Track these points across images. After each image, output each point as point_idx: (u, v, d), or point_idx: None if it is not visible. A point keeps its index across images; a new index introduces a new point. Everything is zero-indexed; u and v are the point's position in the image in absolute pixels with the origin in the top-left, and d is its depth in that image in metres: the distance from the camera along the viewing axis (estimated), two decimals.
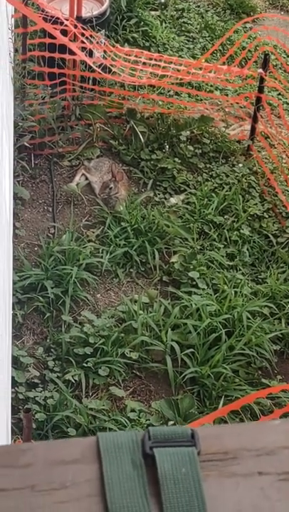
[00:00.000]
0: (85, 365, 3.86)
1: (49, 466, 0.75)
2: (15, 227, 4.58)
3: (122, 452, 0.75)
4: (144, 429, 0.78)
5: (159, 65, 5.11)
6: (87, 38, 4.86)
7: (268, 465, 0.76)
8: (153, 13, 6.75)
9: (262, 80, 5.05)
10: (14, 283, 4.15)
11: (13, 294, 4.11)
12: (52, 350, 3.97)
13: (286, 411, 3.18)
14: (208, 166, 5.19)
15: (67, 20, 4.81)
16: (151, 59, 5.17)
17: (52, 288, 4.17)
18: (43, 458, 0.76)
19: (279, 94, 5.89)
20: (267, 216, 4.87)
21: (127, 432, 0.78)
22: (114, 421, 3.65)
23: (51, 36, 4.83)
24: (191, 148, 5.22)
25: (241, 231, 4.71)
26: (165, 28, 6.57)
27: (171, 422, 3.68)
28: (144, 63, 5.15)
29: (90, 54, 5.00)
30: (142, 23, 6.39)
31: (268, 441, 0.78)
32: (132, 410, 3.73)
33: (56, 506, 0.73)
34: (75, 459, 0.76)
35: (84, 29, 4.87)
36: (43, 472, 0.75)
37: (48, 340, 4.02)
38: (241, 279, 4.39)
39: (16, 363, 3.83)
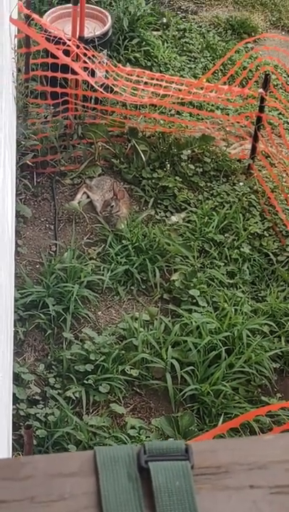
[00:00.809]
0: (85, 382, 3.88)
1: (48, 478, 0.78)
2: (17, 245, 4.61)
3: (119, 466, 0.78)
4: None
5: (160, 85, 5.17)
6: (89, 57, 4.92)
7: (260, 479, 0.79)
8: (155, 33, 6.82)
9: (263, 99, 5.10)
10: (16, 300, 4.18)
11: (15, 311, 4.14)
12: (53, 367, 3.99)
13: (285, 428, 3.20)
14: (209, 184, 5.23)
15: (69, 40, 4.87)
16: (152, 78, 5.22)
17: (53, 305, 4.20)
18: (43, 471, 0.79)
19: (279, 113, 5.94)
20: (267, 235, 4.90)
21: (123, 446, 0.81)
22: (115, 438, 3.66)
23: (54, 56, 4.88)
24: (192, 167, 5.26)
25: (242, 249, 4.74)
26: (167, 47, 6.64)
27: (171, 439, 3.69)
28: (146, 83, 5.20)
29: (92, 74, 5.05)
30: (144, 43, 6.45)
31: (260, 456, 0.81)
32: (132, 427, 3.75)
33: None
34: (73, 472, 0.78)
35: (86, 49, 4.93)
36: (42, 484, 0.77)
37: (49, 357, 4.04)
38: (241, 297, 4.41)
39: (17, 379, 3.85)
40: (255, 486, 0.78)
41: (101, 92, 5.00)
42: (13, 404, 3.70)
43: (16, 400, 3.75)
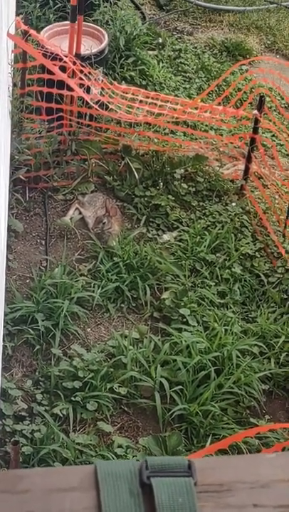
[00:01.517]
0: (73, 399, 3.85)
1: (47, 493, 0.76)
2: (8, 259, 4.59)
3: (120, 481, 0.76)
4: None
5: (155, 104, 5.18)
6: (85, 74, 4.93)
7: (263, 498, 0.77)
8: (150, 52, 6.85)
9: (256, 121, 5.12)
10: (5, 315, 4.15)
11: (4, 326, 4.11)
12: (41, 383, 3.95)
13: (275, 450, 3.18)
14: (201, 204, 5.23)
15: (66, 56, 4.88)
16: (148, 97, 5.24)
17: (42, 321, 4.17)
18: (41, 485, 0.77)
19: (273, 135, 5.96)
20: (258, 255, 4.90)
21: (124, 461, 0.79)
22: (101, 456, 3.63)
23: (50, 72, 4.89)
24: (185, 186, 5.27)
25: (233, 269, 4.74)
26: (162, 67, 6.66)
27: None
28: (141, 101, 5.21)
29: (88, 90, 5.06)
30: (140, 62, 6.48)
31: (263, 474, 0.80)
32: (119, 446, 3.72)
33: None
34: (73, 487, 0.77)
35: (82, 66, 4.95)
36: (41, 499, 0.75)
37: (36, 373, 4.01)
38: (232, 318, 4.40)
39: (4, 395, 3.81)
40: (258, 505, 0.76)
41: (96, 108, 5.01)
42: (0, 419, 3.66)
43: (2, 415, 3.71)
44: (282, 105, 6.29)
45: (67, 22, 5.33)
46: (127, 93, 5.21)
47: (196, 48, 7.18)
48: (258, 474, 0.80)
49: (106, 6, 6.68)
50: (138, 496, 0.75)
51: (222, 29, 7.65)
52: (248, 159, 5.29)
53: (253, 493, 0.77)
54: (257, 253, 4.91)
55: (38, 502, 0.75)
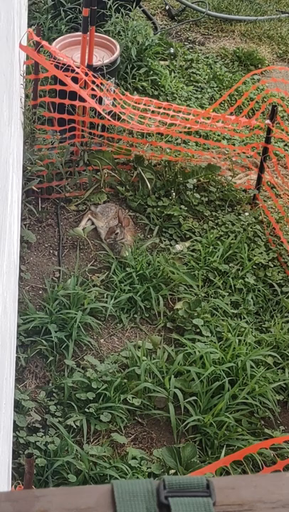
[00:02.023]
0: (86, 410, 3.84)
1: None
2: (20, 270, 4.59)
3: (137, 501, 0.75)
4: (146, 477, 0.78)
5: (167, 114, 5.18)
6: (97, 85, 4.94)
7: None
8: (162, 63, 6.86)
9: (269, 130, 5.11)
10: (18, 326, 4.15)
11: (17, 337, 4.10)
12: (54, 394, 3.94)
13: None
14: (214, 214, 5.22)
15: (78, 67, 4.89)
16: (160, 107, 5.24)
17: (56, 332, 4.17)
18: (58, 505, 0.76)
19: (286, 145, 5.95)
20: (272, 265, 4.88)
21: (142, 481, 0.78)
22: (115, 468, 3.61)
23: (62, 83, 4.90)
24: (197, 196, 5.26)
25: (246, 279, 4.72)
26: (174, 77, 6.67)
27: (173, 471, 3.64)
28: (153, 111, 5.22)
29: (100, 101, 5.07)
30: (152, 72, 6.49)
31: (285, 494, 0.78)
32: (134, 458, 3.69)
33: None
34: (90, 507, 0.75)
35: (94, 77, 4.95)
36: None
37: (50, 385, 4.00)
38: (245, 328, 4.38)
39: (17, 406, 3.81)
40: None
41: (108, 119, 5.02)
42: (13, 431, 3.65)
43: (15, 427, 3.70)
44: None
45: (79, 33, 5.35)
46: (139, 103, 5.21)
47: (207, 57, 7.19)
48: (279, 494, 0.78)
49: (118, 17, 6.70)
50: None
51: (234, 39, 7.66)
52: (261, 169, 5.28)
53: None
54: (270, 263, 4.89)
55: None
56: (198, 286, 4.63)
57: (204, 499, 0.75)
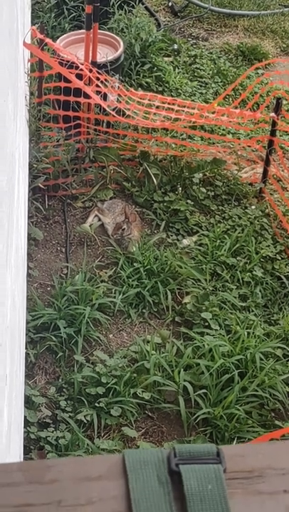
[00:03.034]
0: (97, 405, 3.84)
1: (75, 482, 0.75)
2: (28, 268, 4.60)
3: (148, 469, 0.76)
4: None
5: (172, 109, 5.18)
6: (101, 82, 4.94)
7: None
8: (166, 59, 6.86)
9: (274, 123, 5.11)
10: (27, 322, 4.16)
11: (26, 334, 4.11)
12: (64, 389, 3.95)
13: None
14: (220, 208, 5.22)
15: (82, 64, 4.90)
16: (164, 102, 5.24)
17: (64, 328, 4.17)
18: (69, 474, 0.76)
19: None
20: (279, 258, 4.88)
21: (152, 450, 0.79)
22: None
23: (66, 80, 4.91)
24: (203, 190, 5.26)
25: (254, 272, 4.72)
26: (178, 73, 6.67)
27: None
28: (158, 107, 5.22)
29: (105, 98, 5.08)
30: (156, 68, 6.49)
31: None
32: None
33: None
34: (101, 476, 0.76)
35: (99, 73, 4.96)
36: (69, 488, 0.75)
37: (60, 380, 4.01)
38: (254, 320, 4.38)
39: (27, 402, 3.82)
40: None
41: (113, 115, 5.02)
42: (24, 427, 3.66)
43: (26, 422, 3.71)
44: None
45: (83, 30, 5.36)
46: (143, 99, 5.22)
47: (211, 53, 7.18)
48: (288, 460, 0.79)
49: (121, 14, 6.71)
50: (167, 483, 0.74)
51: (237, 34, 7.65)
52: (267, 162, 5.28)
53: (285, 479, 0.76)
54: (278, 255, 4.89)
55: (67, 491, 0.75)
56: (206, 280, 4.63)
57: (214, 466, 0.75)
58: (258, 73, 6.74)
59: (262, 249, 4.88)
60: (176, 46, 7.06)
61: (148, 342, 4.20)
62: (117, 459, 0.77)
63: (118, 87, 5.27)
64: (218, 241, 4.88)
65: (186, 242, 4.94)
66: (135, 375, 4.02)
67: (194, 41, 7.44)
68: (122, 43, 5.83)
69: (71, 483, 0.75)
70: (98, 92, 4.95)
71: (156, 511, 0.72)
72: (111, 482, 0.75)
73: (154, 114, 5.18)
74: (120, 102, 5.16)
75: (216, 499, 0.73)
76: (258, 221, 5.09)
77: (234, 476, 0.76)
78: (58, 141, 5.14)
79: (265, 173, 5.32)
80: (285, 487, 0.75)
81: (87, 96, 4.92)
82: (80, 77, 4.84)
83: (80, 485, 0.75)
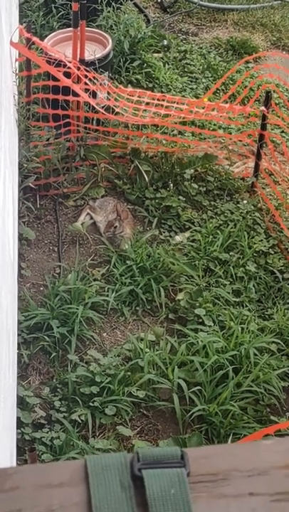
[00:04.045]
0: (91, 404, 3.83)
1: (36, 489, 0.74)
2: (20, 268, 4.58)
3: (110, 474, 0.74)
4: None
5: (162, 105, 5.16)
6: (90, 79, 4.92)
7: (260, 486, 0.74)
8: (156, 55, 6.83)
9: (264, 117, 5.09)
10: (20, 323, 4.14)
11: (19, 334, 4.10)
12: (58, 390, 3.94)
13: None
14: (212, 203, 5.20)
15: (70, 62, 4.87)
16: (154, 99, 5.22)
17: (58, 327, 4.16)
18: (30, 481, 0.75)
19: (282, 131, 5.92)
20: (272, 252, 4.86)
21: (115, 454, 0.77)
22: None
23: (55, 79, 4.88)
24: (195, 186, 5.24)
25: (247, 267, 4.70)
26: (168, 69, 6.65)
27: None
28: (147, 103, 5.20)
29: (94, 95, 5.05)
30: (145, 64, 6.46)
31: (260, 462, 0.77)
32: None
33: None
34: (63, 482, 0.74)
35: (87, 71, 4.94)
36: (30, 496, 0.73)
37: (54, 380, 3.99)
38: (248, 316, 4.36)
39: (21, 403, 3.80)
40: (254, 494, 0.73)
41: (102, 113, 5.00)
42: (18, 428, 3.64)
43: (20, 424, 3.69)
44: None
45: (70, 29, 5.33)
46: (133, 96, 5.19)
47: (201, 48, 7.16)
48: (255, 462, 0.77)
49: (109, 11, 6.68)
50: (129, 488, 0.72)
51: (227, 28, 7.63)
52: (258, 156, 5.26)
53: (250, 481, 0.75)
54: (271, 250, 4.87)
55: (27, 499, 0.73)
56: (199, 276, 4.61)
57: (178, 470, 0.74)
58: (248, 67, 6.71)
59: (255, 243, 4.87)
60: (165, 42, 7.03)
61: (142, 340, 4.18)
62: (79, 465, 0.76)
63: (107, 84, 5.24)
64: (211, 237, 4.86)
65: (178, 238, 4.93)
66: (129, 373, 4.00)
67: (184, 36, 7.41)
68: (110, 40, 5.81)
69: (32, 491, 0.74)
70: (87, 90, 4.92)
71: None
72: (72, 489, 0.74)
73: (144, 110, 5.15)
74: (109, 99, 5.13)
75: (178, 503, 0.71)
76: (250, 216, 5.08)
77: (199, 480, 0.74)
78: (48, 140, 5.12)
79: (256, 167, 5.30)
80: (250, 490, 0.74)
81: (76, 94, 4.90)
82: (68, 75, 4.82)
83: (41, 492, 0.74)
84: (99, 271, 4.62)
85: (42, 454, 3.55)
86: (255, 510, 0.72)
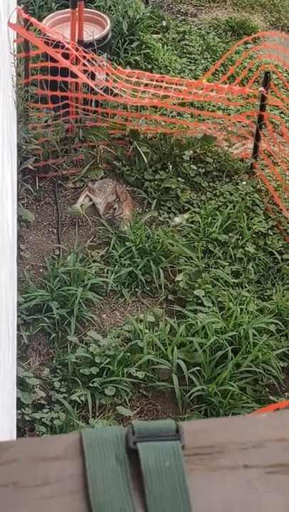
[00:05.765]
0: (91, 385, 3.85)
1: (32, 462, 0.74)
2: (20, 250, 4.58)
3: (106, 447, 0.74)
4: None
5: (160, 86, 5.14)
6: (88, 60, 4.90)
7: (255, 458, 0.75)
8: (155, 36, 6.80)
9: (263, 98, 5.07)
10: (19, 304, 4.15)
11: (19, 316, 4.11)
12: (58, 370, 3.95)
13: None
14: (211, 184, 5.20)
15: (68, 43, 4.84)
16: (152, 80, 5.20)
17: (57, 309, 4.17)
18: (26, 455, 0.75)
19: (281, 112, 5.90)
20: (271, 233, 4.86)
21: (111, 428, 0.77)
22: None
23: (53, 60, 4.86)
24: (194, 167, 5.23)
25: (246, 248, 4.70)
26: (167, 50, 6.61)
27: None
28: (146, 84, 5.18)
29: (92, 77, 5.03)
30: (144, 46, 6.43)
31: (255, 435, 0.77)
32: None
33: (39, 502, 0.72)
34: (58, 455, 0.75)
35: (85, 52, 4.91)
36: (26, 468, 0.74)
37: (53, 361, 4.00)
38: (247, 297, 4.37)
39: (21, 384, 3.82)
40: (249, 466, 0.74)
41: (101, 94, 4.98)
42: (18, 409, 3.66)
43: (21, 404, 3.71)
44: None
45: (69, 9, 5.30)
46: (131, 77, 5.17)
47: (200, 29, 7.12)
48: (251, 434, 0.78)
49: None
50: (124, 461, 0.73)
51: (226, 9, 7.58)
52: (257, 137, 5.24)
53: (245, 453, 0.75)
54: (270, 231, 4.87)
55: (24, 472, 0.73)
56: (198, 257, 4.61)
57: (173, 442, 0.74)
58: (247, 48, 6.68)
59: (254, 224, 4.87)
60: (164, 23, 6.99)
61: (141, 321, 4.20)
62: (75, 439, 0.76)
63: (106, 65, 5.22)
64: (210, 218, 4.86)
65: (177, 219, 4.92)
66: (129, 354, 4.01)
67: (183, 17, 7.36)
68: (109, 21, 5.77)
69: (28, 464, 0.74)
70: (85, 71, 4.90)
71: (113, 489, 0.71)
72: (68, 462, 0.74)
73: (143, 91, 5.13)
74: (108, 80, 5.11)
75: (173, 476, 0.72)
76: (249, 197, 5.07)
77: (195, 452, 0.75)
78: (46, 122, 5.10)
79: (255, 148, 5.28)
80: (245, 462, 0.74)
81: (74, 75, 4.87)
82: (66, 56, 4.79)
83: (37, 465, 0.74)
84: (98, 252, 4.62)
85: (42, 434, 3.57)
86: (251, 481, 0.73)
